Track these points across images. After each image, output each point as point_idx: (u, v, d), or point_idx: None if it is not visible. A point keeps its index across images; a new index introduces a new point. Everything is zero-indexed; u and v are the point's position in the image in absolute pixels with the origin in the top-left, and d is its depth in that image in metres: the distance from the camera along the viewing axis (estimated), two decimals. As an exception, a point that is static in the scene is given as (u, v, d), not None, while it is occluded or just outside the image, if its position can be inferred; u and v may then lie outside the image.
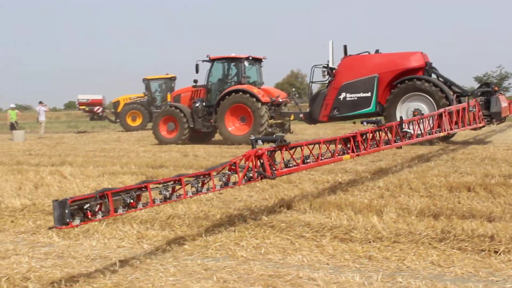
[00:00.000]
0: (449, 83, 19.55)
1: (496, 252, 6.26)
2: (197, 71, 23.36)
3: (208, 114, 23.29)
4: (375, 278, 5.55)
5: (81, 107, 45.63)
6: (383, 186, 10.29)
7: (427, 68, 19.94)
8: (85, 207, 5.10)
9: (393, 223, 7.60)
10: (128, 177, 12.80)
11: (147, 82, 37.59)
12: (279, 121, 23.11)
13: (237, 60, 23.37)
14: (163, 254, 6.79)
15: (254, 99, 21.87)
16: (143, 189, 5.76)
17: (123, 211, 5.54)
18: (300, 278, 5.66)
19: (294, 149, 8.01)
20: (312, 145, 8.51)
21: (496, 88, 18.86)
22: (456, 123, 13.42)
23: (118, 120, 41.07)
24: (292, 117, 22.72)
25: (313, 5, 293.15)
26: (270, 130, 22.32)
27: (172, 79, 37.88)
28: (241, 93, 22.17)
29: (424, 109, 18.71)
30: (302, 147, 8.11)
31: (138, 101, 39.21)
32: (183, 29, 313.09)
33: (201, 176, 6.43)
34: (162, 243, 7.21)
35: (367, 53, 20.78)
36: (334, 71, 20.88)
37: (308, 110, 22.22)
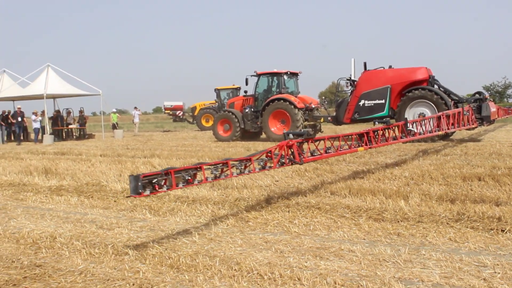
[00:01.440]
0: (448, 92, 19.49)
1: (503, 231, 6.12)
2: (246, 84, 23.99)
3: (255, 118, 23.66)
4: (403, 251, 5.48)
5: (166, 111, 46.33)
6: (408, 176, 10.12)
7: (430, 80, 19.90)
8: (153, 181, 5.27)
9: (417, 206, 7.48)
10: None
11: (217, 91, 37.67)
12: (311, 123, 23.16)
13: (278, 74, 23.63)
14: (232, 229, 6.83)
15: (292, 106, 22.16)
16: (198, 169, 5.87)
17: (182, 185, 5.68)
18: (341, 250, 5.62)
19: (318, 142, 8.14)
20: (333, 139, 8.55)
21: (486, 96, 18.78)
22: (453, 124, 13.36)
23: (195, 122, 41.41)
24: (322, 120, 22.89)
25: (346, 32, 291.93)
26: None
27: (237, 89, 37.88)
28: (281, 101, 22.49)
29: (428, 113, 18.75)
30: (324, 140, 8.15)
31: (211, 106, 39.35)
32: (245, 49, 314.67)
33: (244, 161, 6.52)
34: (231, 220, 7.24)
35: (382, 68, 20.80)
36: (355, 82, 21.17)
37: (334, 114, 22.39)
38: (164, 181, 5.43)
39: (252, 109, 23.72)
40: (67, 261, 5.64)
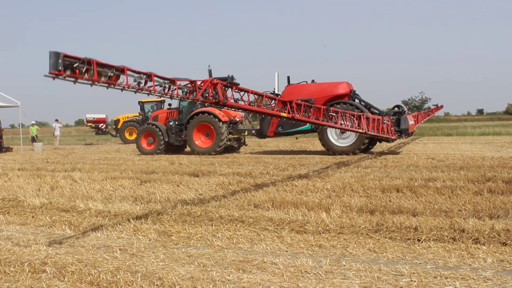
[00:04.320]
0: (368, 106, 20.15)
1: (419, 240, 6.34)
2: None
3: (180, 131, 23.56)
4: (324, 262, 5.57)
5: (88, 123, 45.20)
6: (330, 188, 10.33)
7: (351, 94, 20.59)
8: (74, 65, 5.09)
9: (338, 218, 7.63)
10: (126, 181, 12.65)
11: (141, 104, 37.23)
12: (236, 136, 23.28)
13: None
14: (154, 243, 6.73)
15: (216, 119, 22.24)
16: (121, 71, 5.72)
17: (105, 79, 5.53)
18: (264, 263, 5.64)
19: (243, 93, 8.42)
20: (258, 96, 8.73)
21: (405, 109, 19.57)
22: (373, 128, 13.98)
23: (118, 135, 40.67)
24: (246, 133, 23.06)
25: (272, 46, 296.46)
26: (229, 143, 22.74)
27: (162, 101, 37.55)
28: (206, 114, 22.51)
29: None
30: (248, 93, 8.27)
31: (135, 119, 38.81)
32: (170, 61, 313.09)
33: (168, 81, 6.42)
34: (154, 235, 7.13)
35: (305, 82, 21.23)
36: (279, 96, 21.29)
37: (258, 127, 22.66)
38: (85, 70, 5.22)
39: (176, 122, 23.56)
40: (-21, 281, 5.37)
